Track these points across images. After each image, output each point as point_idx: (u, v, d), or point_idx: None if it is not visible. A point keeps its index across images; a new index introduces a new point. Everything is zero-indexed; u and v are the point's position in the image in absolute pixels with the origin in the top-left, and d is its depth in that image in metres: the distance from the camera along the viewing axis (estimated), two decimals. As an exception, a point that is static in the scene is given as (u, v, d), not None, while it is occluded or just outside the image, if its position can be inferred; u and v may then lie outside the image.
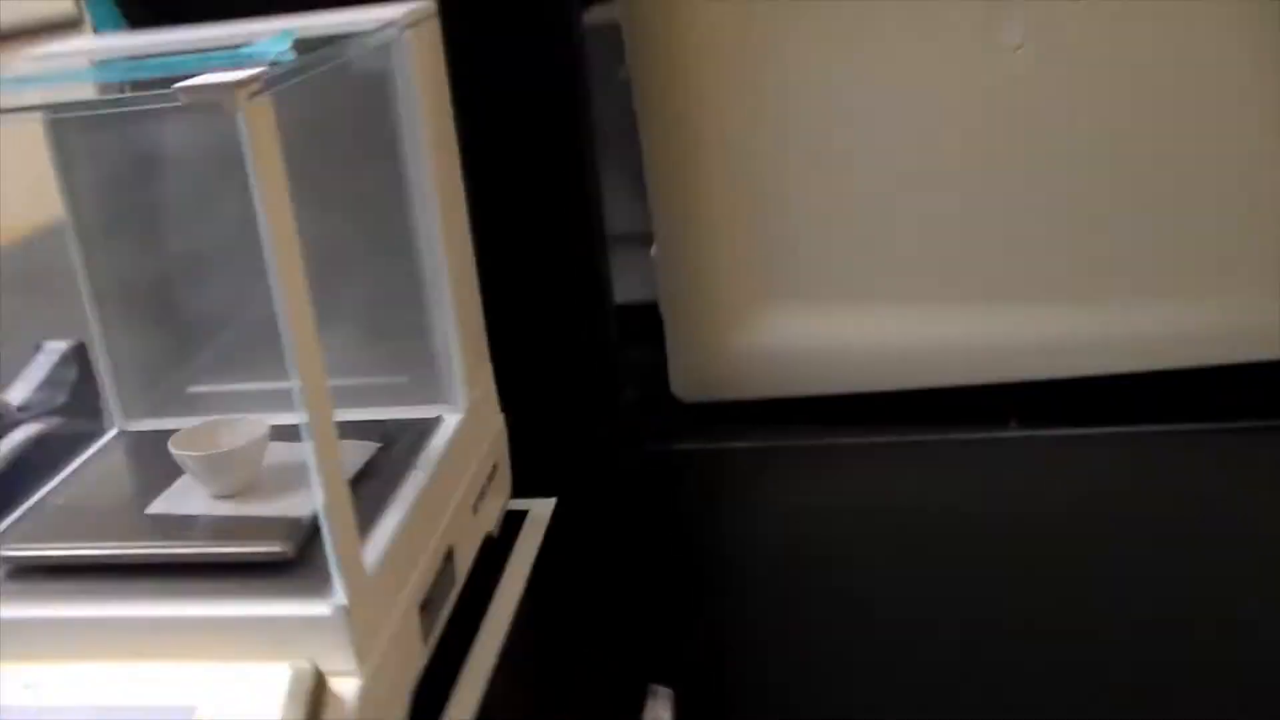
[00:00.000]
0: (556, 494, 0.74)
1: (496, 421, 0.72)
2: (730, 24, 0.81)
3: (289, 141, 0.47)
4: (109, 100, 0.57)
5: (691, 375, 0.87)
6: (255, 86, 0.45)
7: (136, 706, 0.48)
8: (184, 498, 0.58)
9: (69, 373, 0.94)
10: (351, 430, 0.62)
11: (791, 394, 0.85)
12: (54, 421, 0.87)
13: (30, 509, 0.60)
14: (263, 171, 0.45)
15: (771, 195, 0.82)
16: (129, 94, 0.55)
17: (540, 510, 0.74)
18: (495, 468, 0.71)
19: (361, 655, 0.49)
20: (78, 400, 0.90)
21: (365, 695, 0.49)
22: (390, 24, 0.61)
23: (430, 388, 0.67)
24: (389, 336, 0.68)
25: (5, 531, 0.58)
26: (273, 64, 0.48)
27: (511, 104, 0.77)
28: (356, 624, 0.49)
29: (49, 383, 0.96)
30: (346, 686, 0.49)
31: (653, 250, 0.85)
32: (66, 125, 0.64)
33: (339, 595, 0.49)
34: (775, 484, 0.80)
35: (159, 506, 0.58)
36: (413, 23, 0.62)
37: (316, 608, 0.49)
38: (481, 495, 0.68)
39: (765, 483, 0.81)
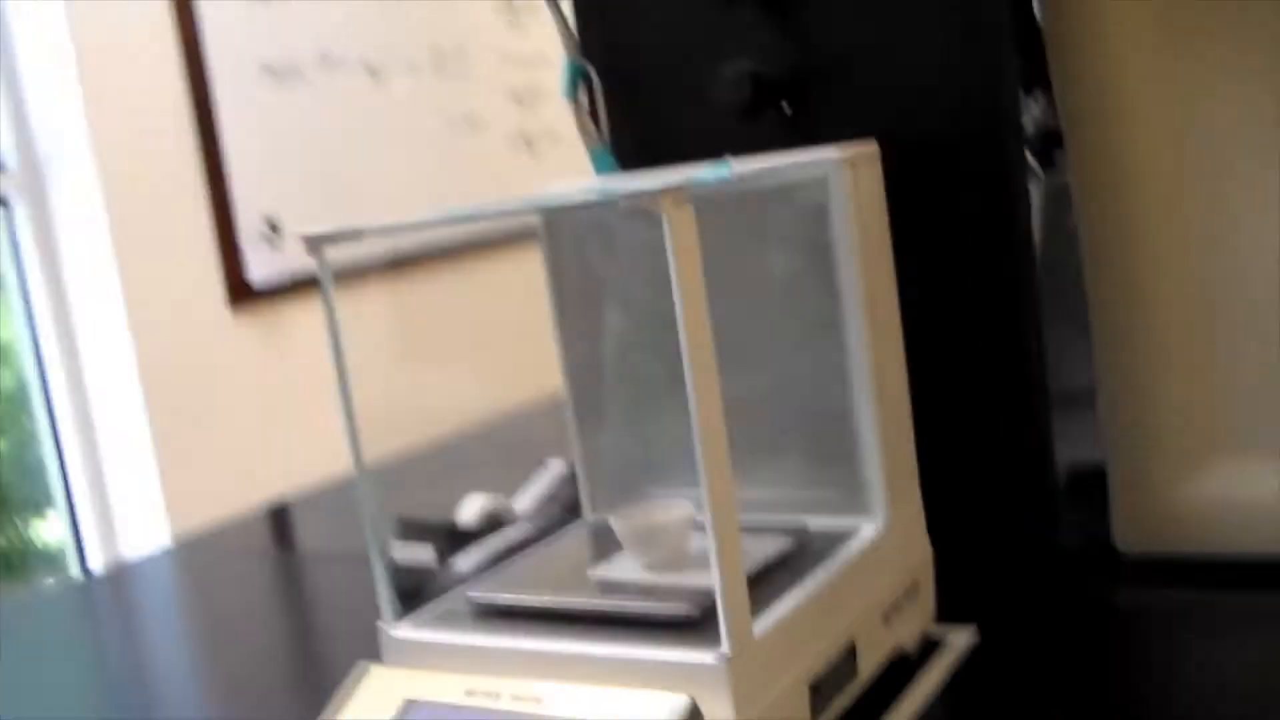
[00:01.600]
0: (977, 624, 0.75)
1: (922, 545, 0.75)
2: (1185, 136, 0.81)
3: (727, 261, 0.54)
4: (563, 200, 0.67)
5: (1136, 526, 0.84)
6: (680, 195, 0.53)
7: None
8: (620, 566, 0.67)
9: (568, 487, 1.07)
10: (769, 530, 0.69)
11: (1245, 550, 0.80)
12: (542, 524, 1.00)
13: (498, 570, 0.72)
14: (683, 272, 0.53)
15: (1233, 328, 0.80)
16: (586, 200, 0.66)
17: (959, 638, 0.75)
18: (916, 585, 0.73)
19: (740, 706, 0.54)
20: (571, 511, 1.03)
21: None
22: (827, 160, 0.68)
23: (855, 503, 0.72)
24: (819, 454, 0.73)
25: (476, 584, 0.69)
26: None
27: (950, 252, 0.81)
28: (737, 675, 0.55)
29: (549, 496, 1.10)
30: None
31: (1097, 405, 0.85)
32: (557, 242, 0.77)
33: (724, 646, 0.55)
34: (1220, 648, 0.76)
35: (599, 572, 0.68)
36: (853, 163, 0.69)
37: (703, 656, 0.56)
38: (896, 609, 0.70)
39: (1210, 644, 0.76)
